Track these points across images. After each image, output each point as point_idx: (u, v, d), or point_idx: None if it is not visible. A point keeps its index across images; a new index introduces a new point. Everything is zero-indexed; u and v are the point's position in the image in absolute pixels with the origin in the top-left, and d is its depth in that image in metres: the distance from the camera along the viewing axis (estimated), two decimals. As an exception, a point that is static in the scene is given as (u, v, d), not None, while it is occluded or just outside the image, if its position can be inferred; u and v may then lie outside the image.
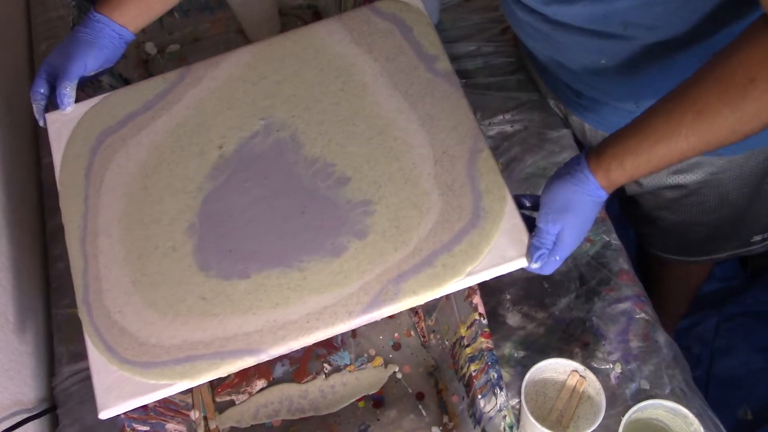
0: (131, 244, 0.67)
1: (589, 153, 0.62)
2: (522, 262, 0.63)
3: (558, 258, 0.63)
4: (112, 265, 0.67)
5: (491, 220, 0.64)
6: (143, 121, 0.73)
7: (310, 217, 0.66)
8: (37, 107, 0.75)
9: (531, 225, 0.64)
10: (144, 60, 1.06)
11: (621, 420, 0.68)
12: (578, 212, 0.62)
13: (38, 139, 1.03)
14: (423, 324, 0.81)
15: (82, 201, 0.70)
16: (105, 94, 0.75)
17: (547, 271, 0.64)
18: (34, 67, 1.10)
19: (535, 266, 0.63)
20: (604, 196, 0.62)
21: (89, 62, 0.74)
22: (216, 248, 0.66)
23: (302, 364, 0.80)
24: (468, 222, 0.64)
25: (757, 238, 0.99)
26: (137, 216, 0.68)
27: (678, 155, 0.58)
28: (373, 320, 0.62)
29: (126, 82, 0.99)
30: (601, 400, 0.68)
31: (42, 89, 0.74)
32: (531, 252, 0.63)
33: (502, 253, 0.63)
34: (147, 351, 0.62)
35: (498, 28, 1.04)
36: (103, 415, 0.62)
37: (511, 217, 0.64)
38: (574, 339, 0.80)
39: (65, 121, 0.74)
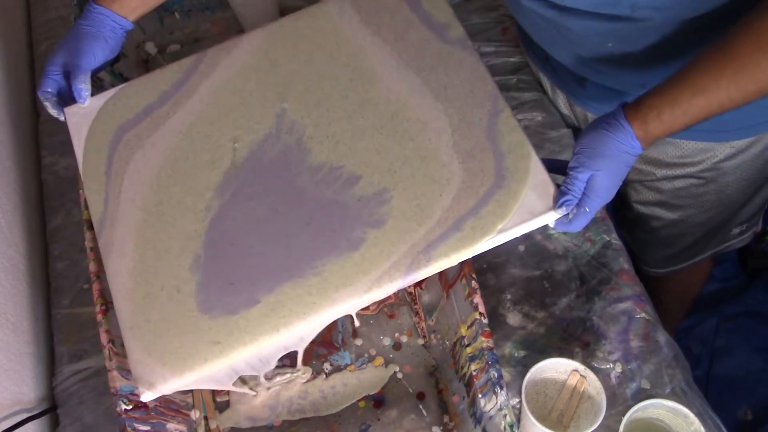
0: (140, 278, 0.64)
1: (626, 104, 0.62)
2: (552, 216, 0.62)
3: (587, 209, 0.62)
4: (117, 295, 0.64)
5: (517, 179, 0.63)
6: (159, 117, 0.73)
7: (317, 225, 0.65)
8: (50, 104, 0.75)
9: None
10: (144, 60, 1.06)
11: (621, 420, 0.68)
12: (611, 159, 0.61)
13: (38, 138, 1.03)
14: (423, 324, 0.81)
15: (102, 201, 0.69)
16: (122, 85, 0.75)
17: (577, 226, 0.63)
18: (34, 67, 1.10)
19: (562, 213, 0.62)
20: (638, 148, 0.61)
21: (97, 55, 0.73)
22: (218, 284, 0.64)
23: (302, 364, 0.80)
24: (492, 184, 0.63)
25: (736, 230, 0.99)
26: (151, 240, 0.66)
27: (717, 107, 0.58)
28: (409, 284, 0.62)
29: (126, 81, 0.99)
30: (602, 399, 0.68)
31: (50, 88, 0.73)
32: (557, 198, 0.61)
33: (531, 209, 0.62)
34: (168, 386, 0.60)
35: (498, 28, 1.04)
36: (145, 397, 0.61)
37: (537, 173, 0.63)
38: (574, 339, 0.80)
39: (84, 114, 0.73)
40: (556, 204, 0.62)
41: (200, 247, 0.66)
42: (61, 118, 0.75)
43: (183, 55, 1.05)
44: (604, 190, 0.62)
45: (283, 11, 1.07)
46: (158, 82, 0.75)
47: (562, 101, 0.95)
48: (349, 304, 0.61)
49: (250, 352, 0.61)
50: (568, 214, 0.63)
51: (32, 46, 1.12)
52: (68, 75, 0.73)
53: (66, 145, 0.99)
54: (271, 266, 0.64)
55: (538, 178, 0.63)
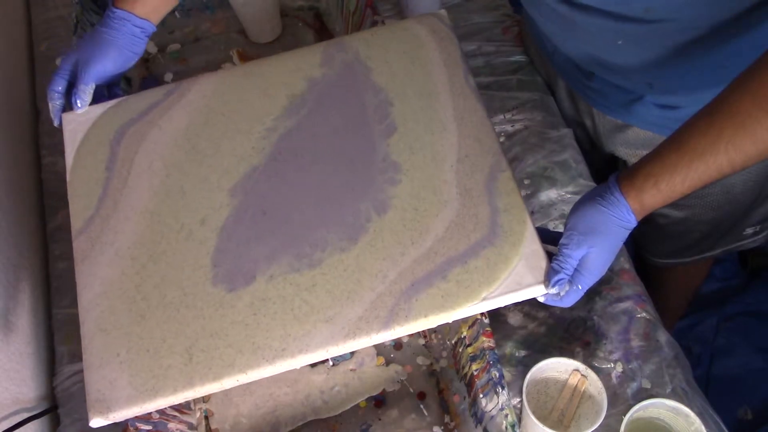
0: (138, 265, 0.64)
1: (620, 175, 0.60)
2: (540, 290, 0.60)
3: (580, 287, 0.60)
4: (91, 290, 0.63)
5: (510, 242, 0.62)
6: (172, 101, 0.72)
7: (353, 172, 0.66)
8: (52, 106, 0.73)
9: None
10: (145, 59, 1.06)
11: (622, 419, 0.68)
12: (605, 236, 0.58)
13: (38, 138, 1.03)
14: (424, 323, 0.81)
15: (95, 199, 0.68)
16: (122, 98, 0.74)
17: (568, 302, 0.61)
18: (34, 66, 1.10)
19: (552, 292, 0.60)
20: (633, 222, 0.59)
21: (108, 65, 0.72)
22: (251, 213, 0.65)
23: (303, 364, 0.80)
24: (484, 237, 0.62)
25: (749, 231, 0.98)
26: (176, 186, 0.67)
27: (716, 172, 0.55)
28: (382, 341, 0.60)
29: (126, 80, 0.99)
30: (603, 399, 0.68)
31: (59, 87, 0.72)
32: (549, 276, 0.59)
33: (520, 279, 0.60)
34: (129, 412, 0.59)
35: (498, 27, 1.04)
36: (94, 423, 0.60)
37: (531, 242, 0.62)
38: (575, 338, 0.80)
39: (81, 122, 0.72)
40: (549, 282, 0.59)
41: (262, 160, 0.68)
42: (56, 123, 0.74)
43: (183, 55, 1.06)
44: (598, 267, 0.60)
45: (284, 12, 1.07)
46: (162, 89, 0.74)
47: (563, 94, 0.95)
48: (321, 352, 0.60)
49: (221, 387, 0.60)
50: (559, 292, 0.61)
51: (32, 46, 1.12)
52: (73, 81, 0.72)
53: (66, 145, 0.99)
54: (297, 208, 0.65)
55: (532, 248, 0.61)
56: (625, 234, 0.60)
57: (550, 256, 0.61)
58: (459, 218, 0.63)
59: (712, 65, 0.71)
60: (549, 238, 0.63)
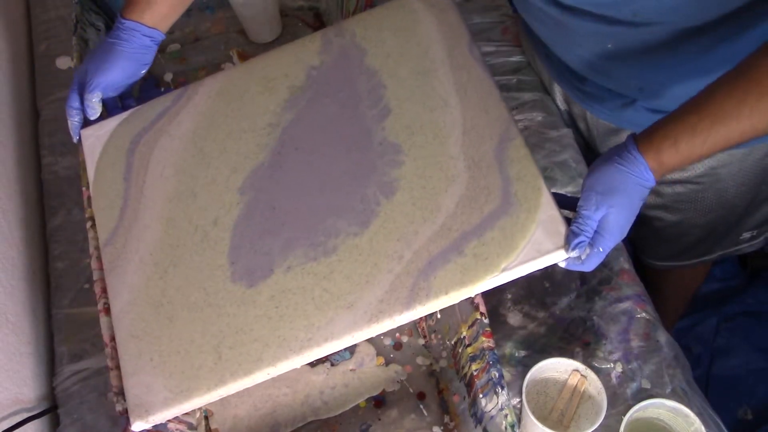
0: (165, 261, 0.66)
1: (638, 134, 0.59)
2: (561, 255, 0.59)
3: (601, 249, 0.58)
4: (123, 296, 0.65)
5: (526, 209, 0.60)
6: (180, 106, 0.73)
7: (352, 159, 0.66)
8: (71, 123, 0.74)
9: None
10: (144, 60, 1.06)
11: (622, 419, 0.68)
12: (624, 195, 0.57)
13: (38, 138, 1.03)
14: (424, 323, 0.81)
15: (118, 209, 0.69)
16: (135, 108, 0.75)
17: (590, 266, 0.60)
18: (34, 66, 1.10)
19: (573, 255, 0.58)
20: (651, 181, 0.58)
21: (117, 75, 0.73)
22: (261, 209, 0.65)
23: (303, 364, 0.80)
24: (498, 207, 0.61)
25: (746, 235, 0.98)
26: (187, 190, 0.68)
27: (738, 136, 0.55)
28: (408, 321, 0.60)
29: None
30: (603, 399, 0.68)
31: (76, 103, 0.74)
32: (569, 239, 0.58)
33: (539, 246, 0.59)
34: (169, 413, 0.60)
35: (498, 28, 1.04)
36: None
37: (547, 209, 0.60)
38: (575, 338, 0.80)
39: (99, 136, 0.74)
40: (569, 246, 0.58)
41: (266, 156, 0.68)
42: (75, 139, 0.75)
43: (183, 55, 1.06)
44: (618, 227, 0.59)
45: (284, 12, 1.07)
46: (173, 93, 0.75)
47: (559, 97, 0.95)
48: (347, 338, 0.60)
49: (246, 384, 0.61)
50: (580, 255, 0.59)
51: (32, 46, 1.12)
52: (83, 91, 0.73)
53: (66, 145, 0.99)
54: (304, 200, 0.65)
55: (548, 213, 0.59)
56: (645, 193, 0.59)
57: (568, 222, 0.60)
58: (469, 191, 0.62)
59: (700, 70, 0.71)
60: (566, 204, 0.61)
